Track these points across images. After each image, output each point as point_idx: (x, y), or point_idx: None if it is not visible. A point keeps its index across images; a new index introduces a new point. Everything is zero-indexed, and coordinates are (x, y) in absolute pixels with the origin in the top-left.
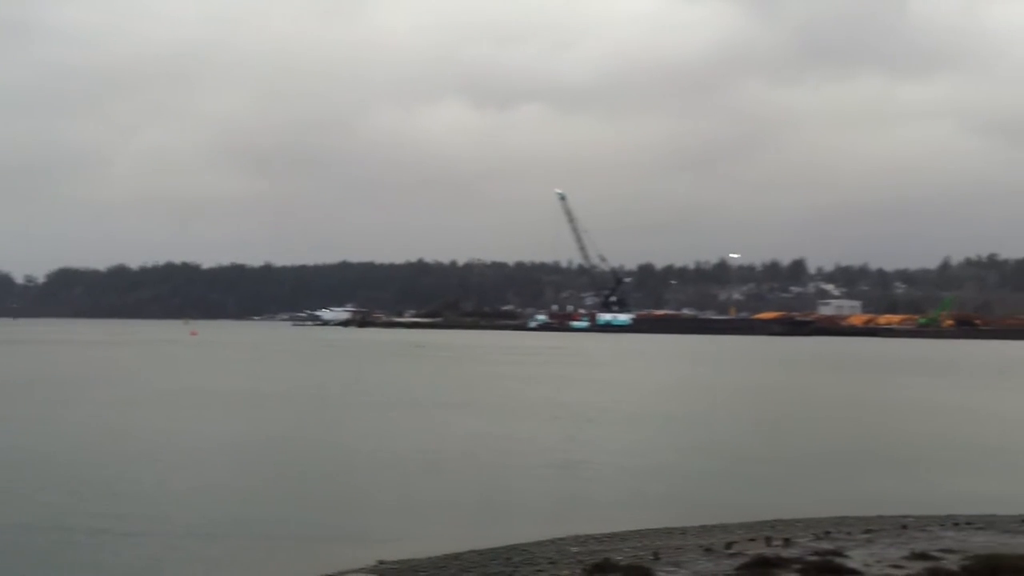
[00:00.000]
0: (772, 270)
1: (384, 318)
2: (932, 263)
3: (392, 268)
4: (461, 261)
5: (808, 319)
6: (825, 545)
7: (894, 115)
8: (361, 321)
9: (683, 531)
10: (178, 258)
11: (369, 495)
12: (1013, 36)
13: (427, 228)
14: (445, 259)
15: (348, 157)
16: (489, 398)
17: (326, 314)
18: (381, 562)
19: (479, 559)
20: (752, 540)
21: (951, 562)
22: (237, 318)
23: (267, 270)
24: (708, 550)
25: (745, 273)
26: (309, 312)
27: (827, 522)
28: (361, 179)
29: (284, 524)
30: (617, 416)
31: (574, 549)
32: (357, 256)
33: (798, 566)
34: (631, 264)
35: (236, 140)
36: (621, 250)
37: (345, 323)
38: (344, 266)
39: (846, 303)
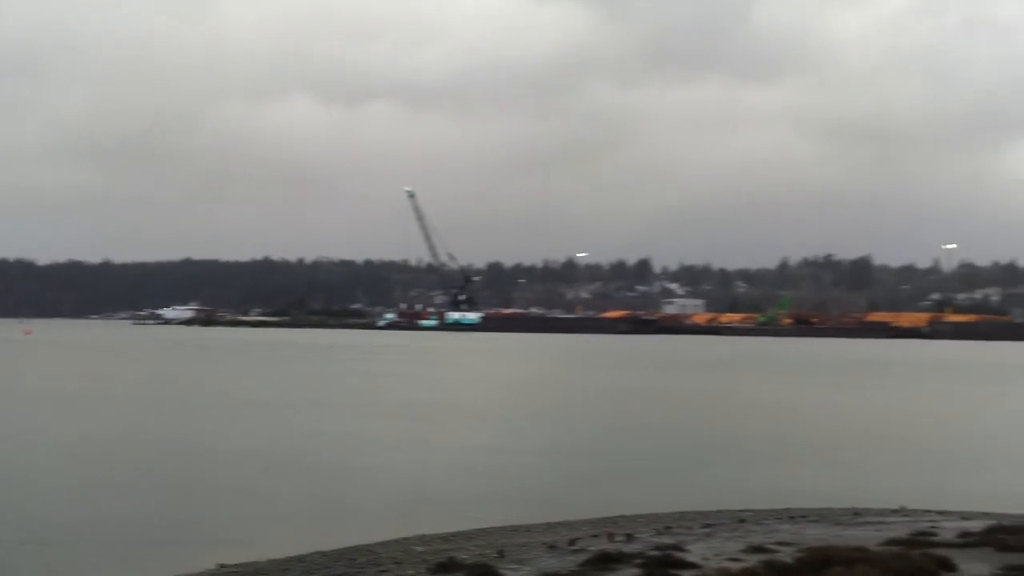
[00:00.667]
0: (619, 269)
1: (229, 317)
2: (771, 263)
3: (237, 266)
4: (309, 259)
5: (653, 318)
6: (666, 540)
7: (737, 119)
8: (205, 320)
9: (528, 529)
10: (11, 255)
11: (211, 496)
12: (849, 44)
13: (274, 226)
14: (292, 257)
15: (193, 153)
16: (336, 397)
17: (168, 313)
18: (222, 566)
19: (323, 560)
20: (595, 536)
21: (786, 554)
22: (74, 317)
23: (106, 267)
24: (552, 547)
25: (592, 272)
26: (151, 311)
27: (668, 517)
28: (206, 175)
29: (122, 527)
30: (464, 415)
31: (419, 549)
32: (201, 253)
33: (639, 560)
34: (480, 263)
35: (77, 135)
36: (470, 249)
37: (188, 322)
38: (187, 263)
39: (690, 302)
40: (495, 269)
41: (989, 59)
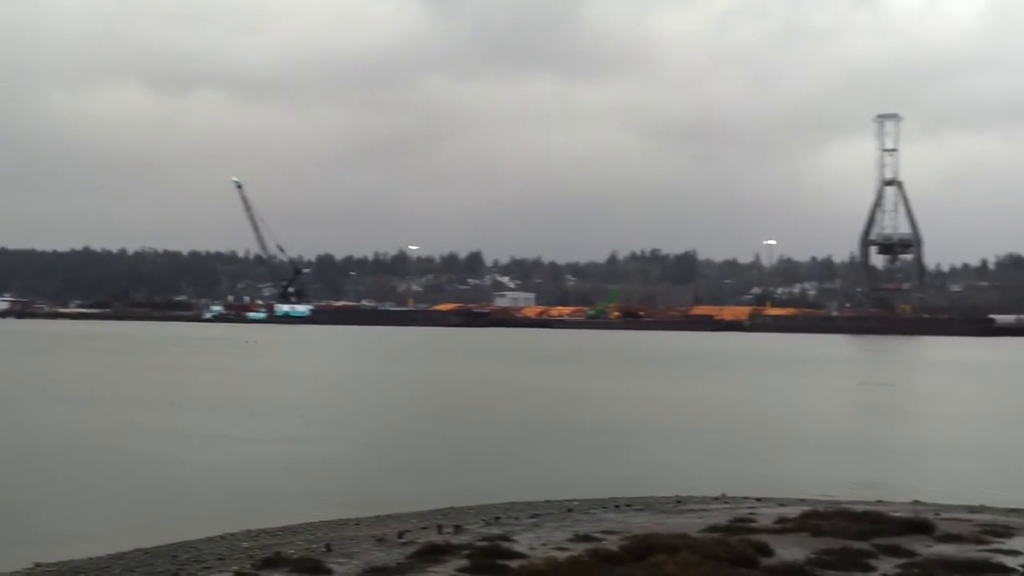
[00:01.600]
0: (450, 262)
1: (47, 309)
2: (600, 257)
3: (55, 256)
4: (131, 250)
5: (484, 311)
6: (494, 530)
7: (567, 114)
8: (20, 312)
9: (357, 522)
10: None
11: (26, 493)
12: (676, 44)
13: (95, 215)
14: (114, 247)
15: (6, 141)
16: (157, 391)
17: None
18: (38, 564)
19: (144, 558)
20: (425, 528)
21: (611, 542)
22: None
23: None
24: (381, 540)
25: (424, 265)
26: None
27: (497, 508)
28: (21, 163)
29: None
30: (292, 408)
31: (245, 544)
32: (16, 243)
33: (467, 551)
34: (310, 255)
35: None
36: (300, 241)
37: (2, 314)
38: (1, 253)
39: (521, 295)
40: (326, 261)
41: (807, 63)
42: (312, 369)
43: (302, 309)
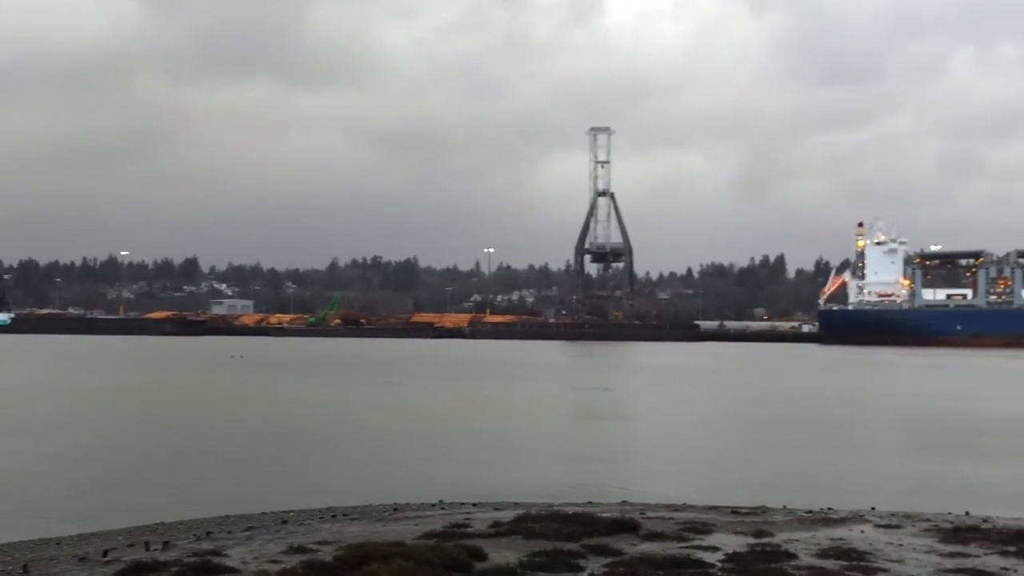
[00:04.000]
0: (165, 269)
1: None
2: (322, 264)
3: None
4: None
5: (201, 318)
6: (205, 545)
7: (290, 121)
8: None
9: (59, 541)
10: None
11: None
12: (398, 52)
13: None
14: None
15: None
16: None
17: None
18: None
19: None
20: (131, 546)
21: (326, 553)
22: None
23: None
24: (83, 559)
25: (136, 272)
26: None
27: (210, 522)
28: None
29: None
30: None
31: None
32: None
33: (176, 568)
34: (11, 261)
35: None
36: (0, 247)
37: None
38: None
39: (239, 302)
40: (29, 267)
41: (526, 76)
42: (6, 381)
43: (3, 317)
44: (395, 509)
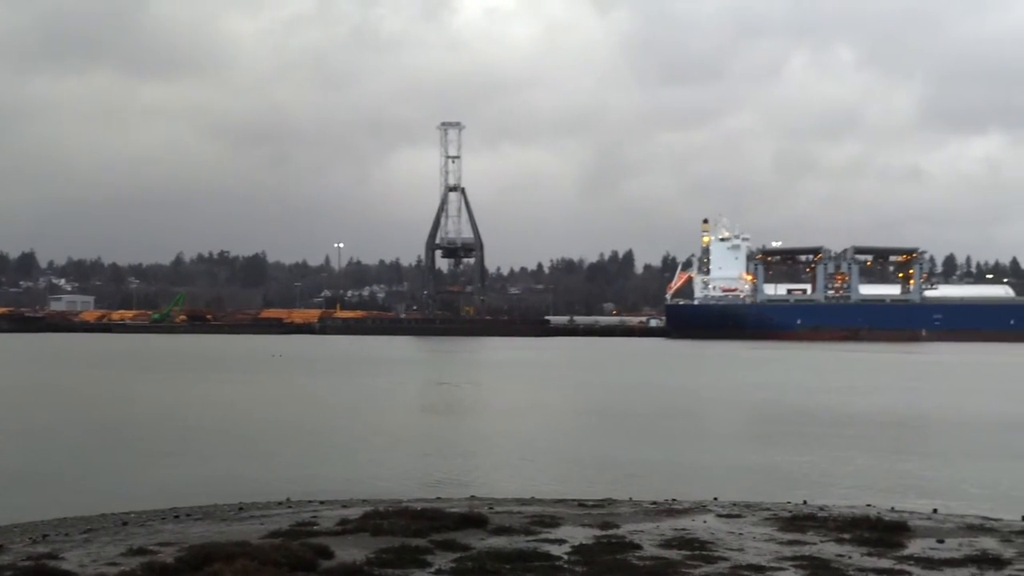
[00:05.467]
0: (0, 263)
1: None
2: (166, 259)
3: None
4: None
5: (38, 315)
6: (41, 549)
7: (134, 113)
8: None
9: None
10: None
11: None
12: (245, 45)
13: None
14: None
15: None
16: None
17: None
18: None
19: None
20: None
21: (167, 554)
22: None
23: None
24: None
25: None
26: None
27: (46, 525)
28: None
29: None
30: None
31: None
32: None
33: (9, 573)
34: None
35: None
36: None
37: None
38: None
39: (79, 298)
40: None
41: (375, 70)
42: None
43: None
44: (240, 508)
